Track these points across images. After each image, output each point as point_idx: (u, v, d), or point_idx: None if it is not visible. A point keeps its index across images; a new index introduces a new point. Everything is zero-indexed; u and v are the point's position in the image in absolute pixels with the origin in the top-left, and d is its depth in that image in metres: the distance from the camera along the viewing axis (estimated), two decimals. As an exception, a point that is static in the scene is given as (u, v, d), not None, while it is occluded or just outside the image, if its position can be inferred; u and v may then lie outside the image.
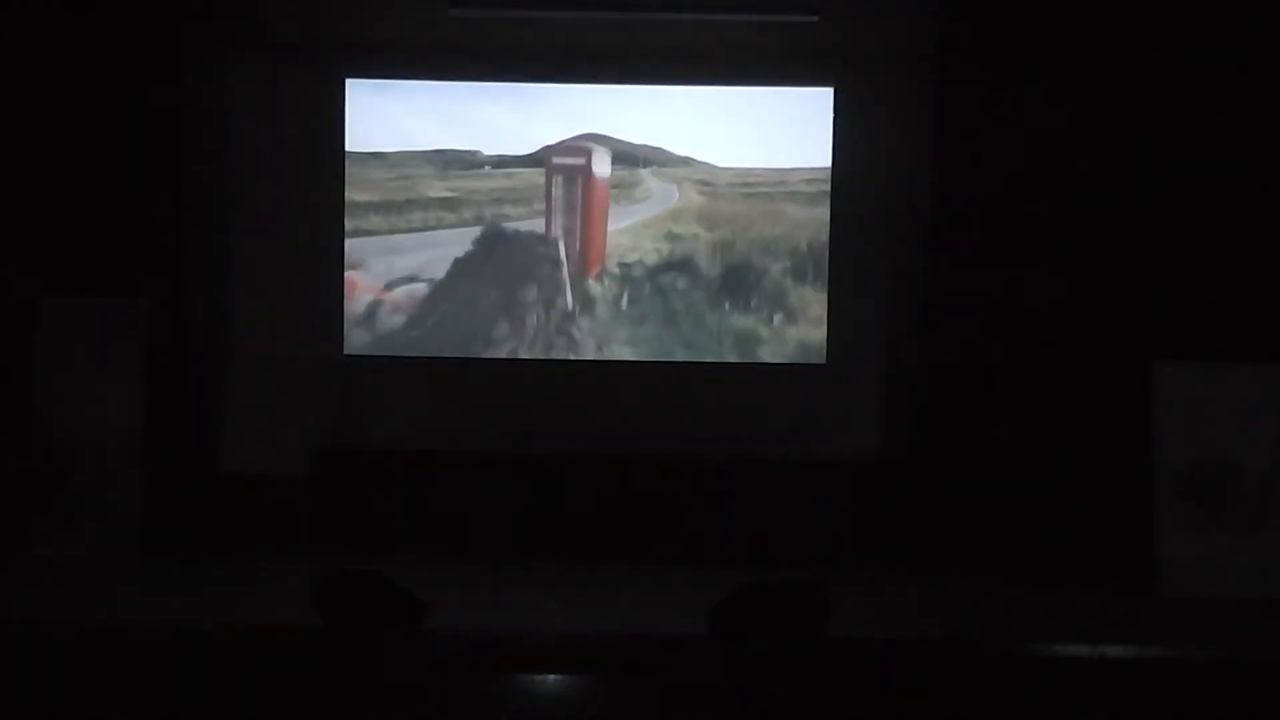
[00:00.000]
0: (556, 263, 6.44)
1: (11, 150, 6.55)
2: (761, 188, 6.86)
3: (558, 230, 6.51)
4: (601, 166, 6.53)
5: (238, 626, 4.99)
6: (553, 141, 6.85)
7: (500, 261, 6.64)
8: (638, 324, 6.70)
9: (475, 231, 6.70)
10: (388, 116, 6.91)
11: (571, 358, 6.89)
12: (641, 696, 3.96)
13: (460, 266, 6.72)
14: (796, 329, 6.67)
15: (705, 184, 6.89)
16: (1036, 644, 4.98)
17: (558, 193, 6.54)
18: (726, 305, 6.63)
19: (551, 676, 4.08)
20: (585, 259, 6.67)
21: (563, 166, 6.58)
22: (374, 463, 6.79)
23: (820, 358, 6.88)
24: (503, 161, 6.94)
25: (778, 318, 6.61)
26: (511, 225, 6.52)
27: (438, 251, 6.70)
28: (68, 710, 3.90)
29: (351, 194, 6.89)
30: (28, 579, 6.02)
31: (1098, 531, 6.34)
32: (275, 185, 6.86)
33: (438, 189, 6.93)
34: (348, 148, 6.88)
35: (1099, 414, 6.40)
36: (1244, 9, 6.37)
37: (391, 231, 6.77)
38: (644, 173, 6.90)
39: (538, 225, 6.64)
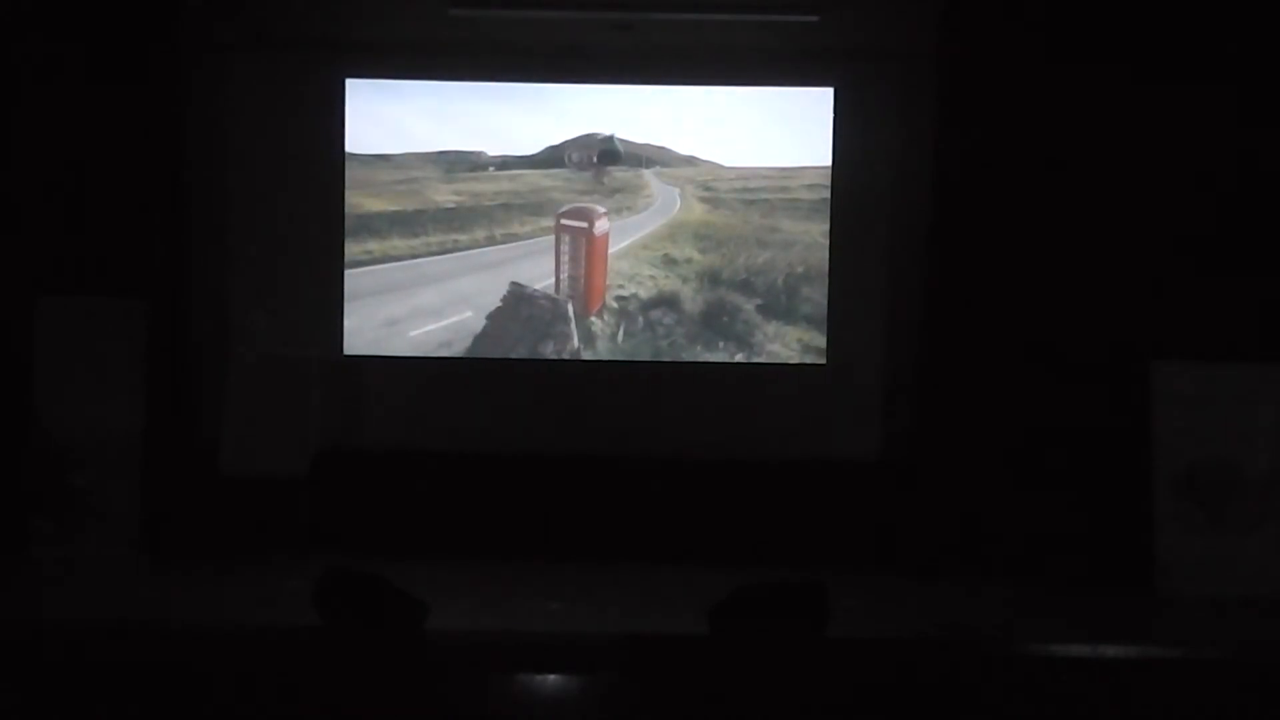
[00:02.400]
0: (566, 318, 6.97)
1: (11, 149, 6.55)
2: (763, 193, 6.89)
3: (565, 280, 6.98)
4: (601, 226, 6.95)
5: (238, 626, 4.98)
6: (555, 141, 6.91)
7: (526, 318, 7.00)
8: (631, 356, 6.98)
9: (501, 289, 6.99)
10: (388, 117, 6.92)
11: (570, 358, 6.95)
12: (641, 696, 3.95)
13: (491, 323, 7.00)
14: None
15: (707, 188, 6.92)
16: (1036, 644, 4.97)
17: (564, 248, 6.98)
18: (699, 347, 6.94)
19: (551, 676, 4.07)
20: (587, 301, 6.99)
21: (569, 227, 6.98)
22: (374, 463, 6.80)
23: (820, 358, 6.89)
24: (506, 163, 6.97)
25: (740, 355, 6.94)
26: (531, 286, 6.99)
27: (459, 296, 7.01)
28: (67, 710, 3.89)
29: (360, 199, 6.91)
30: (27, 579, 6.02)
31: (1098, 531, 6.34)
32: (275, 185, 6.88)
33: (444, 193, 6.96)
34: (349, 148, 6.90)
35: (1099, 414, 6.40)
36: (1245, 10, 6.37)
37: (413, 256, 6.96)
38: (647, 174, 6.93)
39: (550, 275, 7.00)
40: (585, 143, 6.91)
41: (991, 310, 6.51)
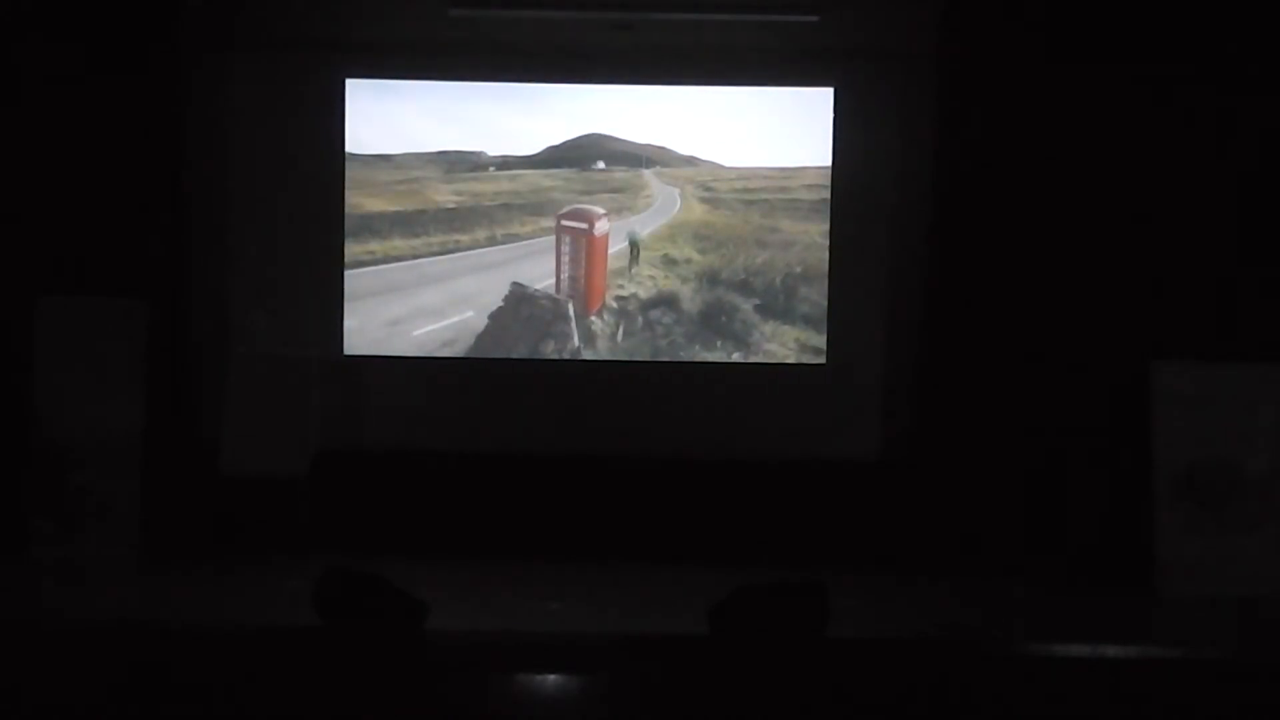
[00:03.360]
0: (566, 318, 7.01)
1: (11, 149, 6.55)
2: (763, 194, 6.90)
3: (565, 280, 7.01)
4: (601, 226, 6.99)
5: (238, 626, 4.98)
6: (555, 141, 6.92)
7: (527, 318, 7.02)
8: (630, 355, 6.99)
9: (503, 289, 7.01)
10: (388, 117, 6.92)
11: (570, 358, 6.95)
12: (641, 696, 3.95)
13: (493, 323, 7.02)
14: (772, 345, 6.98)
15: (707, 188, 6.93)
16: (1036, 644, 4.97)
17: (564, 249, 7.01)
18: (697, 346, 6.95)
19: (551, 676, 4.07)
20: (588, 301, 7.01)
21: (569, 228, 7.01)
22: (374, 463, 6.80)
23: (819, 357, 6.90)
24: (506, 163, 6.97)
25: (737, 355, 6.94)
26: (532, 286, 7.02)
27: (461, 296, 7.04)
28: (67, 711, 3.89)
29: (360, 199, 6.92)
30: (27, 579, 6.02)
31: (1098, 531, 6.34)
32: (275, 185, 6.88)
33: (445, 193, 6.97)
34: (349, 148, 6.90)
35: (1099, 414, 6.40)
36: (1244, 10, 6.37)
37: (415, 256, 6.98)
38: (647, 174, 6.94)
39: (550, 275, 7.02)
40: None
41: (991, 310, 6.52)
